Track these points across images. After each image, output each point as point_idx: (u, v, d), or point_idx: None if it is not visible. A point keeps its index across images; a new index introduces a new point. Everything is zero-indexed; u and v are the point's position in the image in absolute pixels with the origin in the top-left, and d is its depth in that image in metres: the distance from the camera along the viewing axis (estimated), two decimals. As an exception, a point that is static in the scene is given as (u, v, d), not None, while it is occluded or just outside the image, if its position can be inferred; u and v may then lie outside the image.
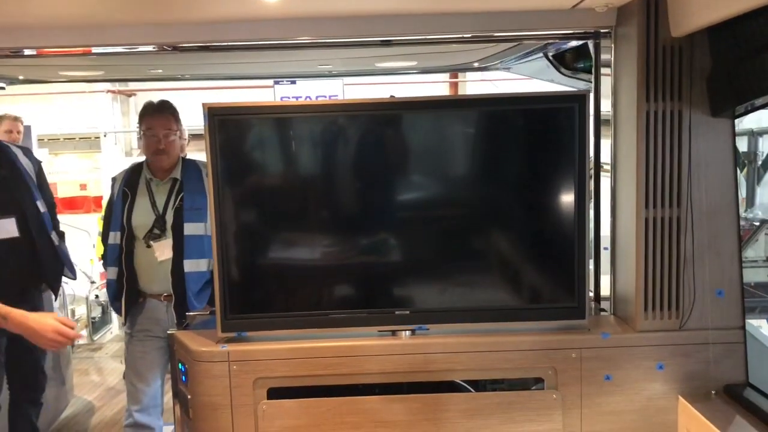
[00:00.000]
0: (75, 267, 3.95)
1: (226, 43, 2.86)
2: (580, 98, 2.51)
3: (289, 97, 10.85)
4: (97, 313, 6.92)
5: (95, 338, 6.73)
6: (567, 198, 2.55)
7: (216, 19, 2.70)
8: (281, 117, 2.56)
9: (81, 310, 6.82)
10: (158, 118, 3.42)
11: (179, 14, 2.66)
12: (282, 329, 2.57)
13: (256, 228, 2.62)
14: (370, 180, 2.60)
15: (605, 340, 2.55)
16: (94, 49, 3.03)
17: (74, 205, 12.92)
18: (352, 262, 2.62)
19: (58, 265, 3.58)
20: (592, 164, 2.91)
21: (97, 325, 6.81)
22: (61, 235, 3.74)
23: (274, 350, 2.50)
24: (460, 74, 11.70)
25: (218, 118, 2.46)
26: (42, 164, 3.74)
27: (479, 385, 2.65)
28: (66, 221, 8.50)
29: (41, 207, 3.47)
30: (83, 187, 13.35)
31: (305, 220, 2.63)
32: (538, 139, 2.60)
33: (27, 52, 2.98)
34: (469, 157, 2.69)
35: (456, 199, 2.68)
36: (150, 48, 2.93)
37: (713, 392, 2.54)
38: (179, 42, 2.85)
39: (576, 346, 2.55)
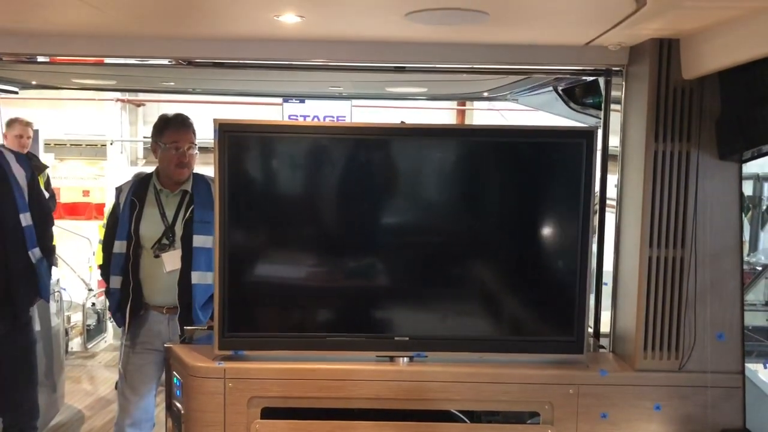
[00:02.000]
0: (51, 290, 3.89)
1: (239, 61, 2.88)
2: (588, 134, 2.53)
3: (297, 116, 10.92)
4: (92, 321, 6.89)
5: (89, 346, 6.69)
6: (570, 233, 2.55)
7: (231, 37, 2.73)
8: (292, 137, 2.57)
9: (76, 317, 6.79)
10: (183, 132, 3.46)
11: (195, 30, 2.68)
12: (280, 350, 2.54)
13: (260, 247, 2.60)
14: (376, 205, 2.61)
15: (603, 378, 2.54)
16: (108, 60, 3.05)
17: (76, 211, 12.94)
18: (355, 286, 2.62)
19: (30, 287, 3.48)
20: (597, 199, 2.93)
21: (91, 334, 6.77)
22: (50, 251, 3.65)
23: (270, 370, 2.49)
24: (467, 102, 11.75)
25: (229, 134, 2.45)
26: (37, 173, 3.66)
27: (474, 416, 2.64)
28: (68, 227, 8.51)
29: (24, 220, 3.42)
30: (86, 193, 13.38)
31: (310, 241, 2.62)
32: (545, 173, 2.61)
33: (41, 59, 3.01)
34: (476, 187, 2.70)
35: (462, 228, 2.68)
36: (163, 61, 2.96)
37: None
38: (193, 57, 2.87)
39: (574, 382, 2.54)
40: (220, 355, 2.56)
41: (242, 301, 2.54)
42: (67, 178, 13.62)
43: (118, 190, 3.57)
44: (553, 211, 2.61)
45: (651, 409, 2.54)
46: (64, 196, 13.96)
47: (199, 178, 3.57)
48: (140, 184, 3.52)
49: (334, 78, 3.99)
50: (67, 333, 6.25)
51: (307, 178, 2.61)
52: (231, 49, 2.78)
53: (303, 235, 2.60)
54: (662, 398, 2.54)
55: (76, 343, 6.68)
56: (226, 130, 2.45)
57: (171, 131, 3.45)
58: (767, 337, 6.54)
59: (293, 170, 2.60)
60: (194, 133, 3.54)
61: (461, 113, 12.47)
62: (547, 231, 2.62)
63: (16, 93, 4.13)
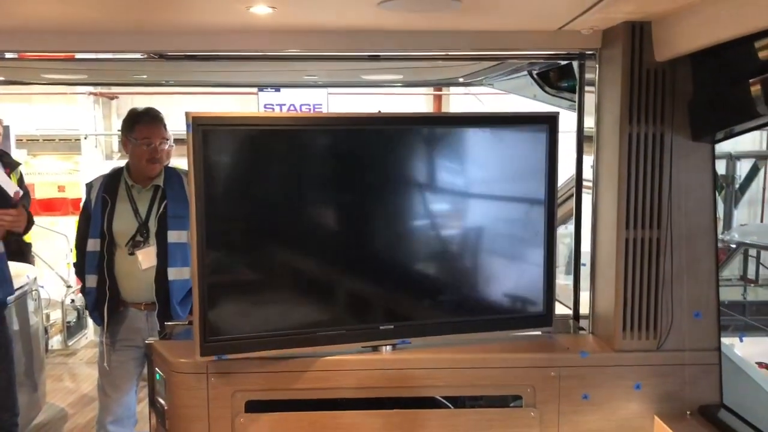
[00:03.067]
0: (29, 288, 3.82)
1: (211, 53, 2.85)
2: (550, 119, 2.62)
3: (272, 105, 10.85)
4: (72, 317, 6.83)
5: (70, 344, 6.63)
6: (538, 213, 2.66)
7: (203, 29, 2.69)
8: (268, 129, 2.51)
9: (56, 315, 6.73)
10: (154, 127, 3.42)
11: (166, 22, 2.64)
12: (264, 350, 2.46)
13: (239, 245, 2.51)
14: (354, 195, 2.59)
15: (584, 360, 2.57)
16: (78, 55, 3.00)
17: (52, 207, 12.76)
18: (337, 278, 2.60)
19: None
20: (574, 181, 2.96)
21: (72, 330, 6.72)
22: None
23: (253, 363, 2.48)
24: (444, 87, 11.76)
25: (203, 128, 2.34)
26: (10, 171, 3.57)
27: (458, 402, 2.66)
28: (44, 224, 8.40)
29: None
30: (62, 189, 13.19)
31: (289, 236, 2.56)
32: (512, 157, 2.70)
33: (9, 55, 2.95)
34: (448, 172, 2.70)
35: (435, 213, 2.70)
36: (135, 55, 2.92)
37: (688, 413, 2.57)
38: (165, 50, 2.83)
39: (555, 365, 2.57)
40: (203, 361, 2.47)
41: (222, 303, 2.43)
42: (41, 174, 13.41)
43: (89, 186, 3.52)
44: (521, 193, 2.71)
45: (631, 388, 2.58)
46: (39, 192, 13.73)
47: (171, 173, 3.53)
48: (111, 180, 3.47)
49: (308, 67, 3.97)
50: (46, 331, 6.20)
51: (284, 170, 2.57)
52: (203, 42, 2.74)
53: (282, 231, 2.56)
54: (642, 377, 2.58)
55: (56, 341, 6.63)
56: (199, 124, 2.34)
57: (142, 126, 3.41)
58: (742, 312, 6.68)
59: (270, 163, 2.54)
60: (165, 128, 3.51)
61: (438, 98, 12.47)
62: (516, 212, 2.72)
63: (-16, 90, 4.04)
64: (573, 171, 2.98)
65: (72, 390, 5.43)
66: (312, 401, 2.54)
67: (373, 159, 2.61)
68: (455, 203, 2.71)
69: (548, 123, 2.62)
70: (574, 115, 2.95)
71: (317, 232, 2.60)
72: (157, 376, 2.61)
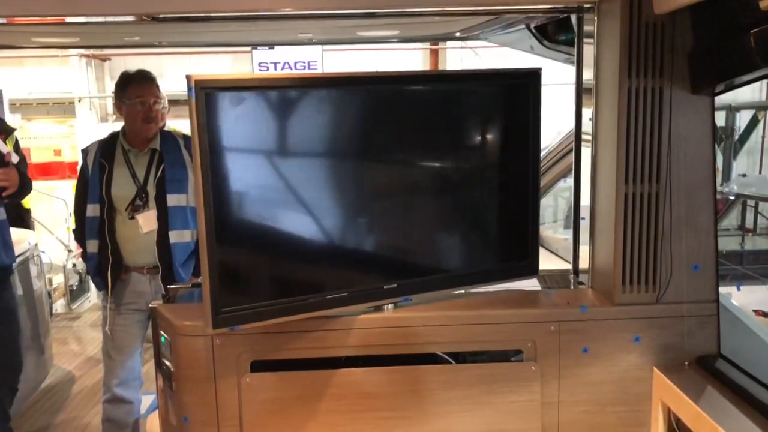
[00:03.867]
0: (31, 254, 3.87)
1: (204, 13, 2.80)
2: (533, 74, 2.66)
3: (267, 63, 10.75)
4: (74, 281, 6.88)
5: (73, 307, 6.69)
6: (523, 165, 2.71)
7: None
8: (274, 90, 2.40)
9: (58, 279, 6.78)
10: (146, 86, 3.40)
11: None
12: (276, 318, 2.42)
13: (247, 212, 2.43)
14: (357, 156, 2.58)
15: (583, 314, 2.60)
16: (69, 18, 2.96)
17: (49, 171, 12.73)
18: (345, 240, 2.59)
19: None
20: (573, 134, 2.96)
21: (75, 294, 6.78)
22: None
23: (256, 325, 2.51)
24: (440, 42, 11.63)
25: (206, 92, 2.20)
26: (4, 137, 3.55)
27: (459, 357, 2.70)
28: (41, 188, 8.37)
29: None
30: (57, 153, 13.15)
31: (296, 201, 2.52)
32: (498, 111, 2.75)
33: None
34: (438, 129, 2.69)
35: (429, 169, 2.71)
36: (127, 18, 2.87)
37: (686, 363, 2.61)
38: (158, 12, 2.78)
39: (555, 320, 2.60)
40: (215, 333, 2.45)
41: (232, 273, 2.37)
42: (36, 138, 13.34)
43: (85, 152, 3.51)
44: (508, 145, 2.75)
45: (630, 341, 2.62)
46: (35, 157, 13.67)
47: (167, 135, 3.52)
48: (107, 145, 3.46)
49: (302, 26, 3.91)
50: (50, 295, 6.25)
51: (289, 133, 2.51)
52: (195, 3, 2.69)
53: (289, 194, 2.52)
54: (641, 330, 2.62)
55: (60, 305, 6.68)
56: (203, 87, 2.19)
57: (134, 86, 3.39)
58: (740, 261, 6.73)
59: (275, 125, 2.46)
60: (158, 88, 3.47)
61: (434, 53, 12.34)
62: (503, 165, 2.77)
63: (-27, 56, 3.99)
64: (572, 125, 2.97)
65: (78, 353, 5.50)
66: (316, 360, 2.58)
67: (373, 119, 2.59)
68: (448, 159, 2.73)
69: (531, 78, 2.67)
70: (572, 69, 2.93)
71: (323, 194, 2.57)
72: (162, 339, 2.64)
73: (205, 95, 2.20)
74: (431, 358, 2.66)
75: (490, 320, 2.60)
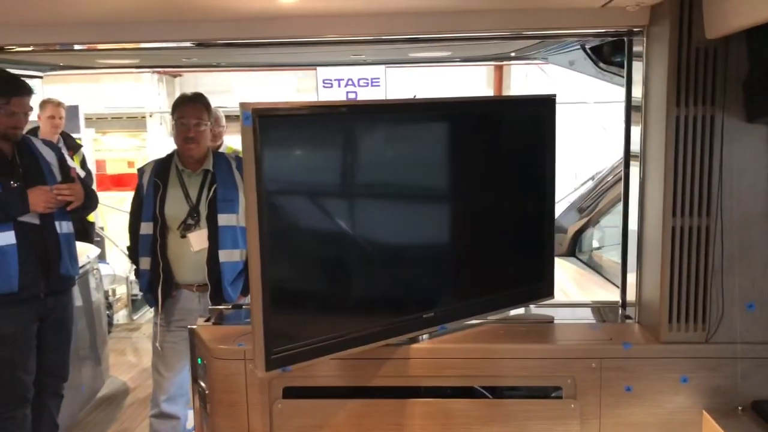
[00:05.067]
0: (91, 267, 4.11)
1: (250, 40, 2.85)
2: (549, 101, 2.68)
3: (330, 80, 10.87)
4: (137, 292, 7.06)
5: (135, 318, 6.88)
6: (541, 187, 2.72)
7: (239, 17, 2.69)
8: (332, 118, 2.32)
9: (122, 290, 6.98)
10: (190, 108, 3.48)
11: (204, 12, 2.66)
12: (325, 355, 2.31)
13: (299, 249, 2.28)
14: (406, 183, 2.54)
15: (626, 351, 2.49)
16: (127, 45, 3.06)
17: (122, 182, 13.21)
18: (392, 270, 2.51)
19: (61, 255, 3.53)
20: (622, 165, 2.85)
21: (136, 305, 6.95)
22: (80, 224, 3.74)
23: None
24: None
25: (262, 120, 2.04)
26: (72, 153, 3.73)
27: (497, 392, 2.62)
28: (114, 198, 8.64)
29: None
30: (131, 164, 13.65)
31: (349, 234, 2.41)
32: (519, 136, 2.78)
33: (78, 47, 3.05)
34: (471, 155, 2.66)
35: (462, 195, 2.67)
36: (179, 44, 2.95)
37: (740, 408, 2.46)
38: (205, 39, 2.86)
39: (596, 356, 2.50)
40: (267, 374, 2.23)
41: (285, 313, 2.21)
42: (111, 151, 13.89)
43: (141, 171, 3.61)
44: (528, 170, 2.74)
45: (677, 381, 2.49)
46: (110, 168, 14.25)
47: (221, 157, 3.60)
48: (162, 165, 3.55)
49: (355, 48, 3.93)
50: (111, 306, 6.44)
51: (343, 161, 2.42)
52: (239, 29, 2.74)
53: (341, 226, 2.41)
54: (689, 370, 2.48)
55: (121, 315, 6.88)
56: (259, 115, 2.04)
57: (179, 107, 3.51)
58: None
59: (332, 154, 2.37)
60: (207, 111, 3.54)
61: (498, 69, 12.20)
62: (524, 188, 2.76)
63: (41, 78, 4.18)
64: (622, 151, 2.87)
65: (134, 364, 5.63)
66: (348, 389, 2.55)
67: (416, 145, 2.56)
68: (480, 184, 2.72)
69: (547, 105, 2.70)
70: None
71: (373, 225, 2.48)
72: (199, 361, 2.67)
73: (261, 122, 2.05)
74: (467, 392, 2.59)
75: (528, 354, 2.52)
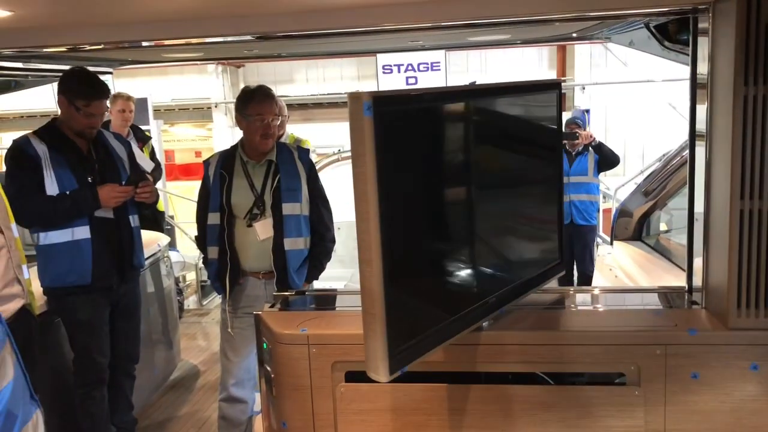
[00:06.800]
0: (162, 255, 4.39)
1: (310, 32, 2.89)
2: (556, 86, 2.78)
3: (390, 66, 10.88)
4: (205, 278, 7.28)
5: (204, 303, 7.09)
6: (553, 166, 2.83)
7: (300, 10, 2.74)
8: (445, 104, 2.24)
9: (192, 276, 7.21)
10: (267, 104, 3.55)
11: (267, 7, 2.73)
12: (438, 344, 2.22)
13: (416, 242, 2.17)
14: (503, 166, 2.63)
15: (692, 337, 2.43)
16: (192, 40, 3.15)
17: (190, 171, 13.61)
18: (481, 255, 2.51)
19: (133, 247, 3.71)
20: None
21: (206, 291, 7.17)
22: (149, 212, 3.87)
23: (351, 335, 2.55)
24: (566, 38, 11.27)
25: (381, 109, 1.86)
26: (142, 145, 3.88)
27: (558, 378, 2.61)
28: (182, 187, 8.88)
29: None
30: (198, 154, 14.02)
31: (460, 221, 2.36)
32: (536, 120, 2.81)
33: (146, 44, 3.16)
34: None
35: (511, 179, 2.69)
36: (241, 38, 3.02)
37: None
38: (267, 32, 2.92)
39: (661, 342, 2.45)
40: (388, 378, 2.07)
41: (407, 306, 2.09)
42: (179, 141, 14.29)
43: (207, 163, 3.71)
44: (543, 150, 2.81)
45: (747, 369, 2.42)
46: (178, 158, 14.66)
47: (283, 147, 3.67)
48: (227, 157, 3.65)
49: (413, 35, 3.93)
50: (182, 292, 6.66)
51: (461, 146, 2.36)
52: (297, 22, 2.79)
53: (455, 215, 2.35)
54: (760, 357, 2.41)
55: (192, 301, 7.11)
56: (380, 105, 1.86)
57: (255, 104, 3.54)
58: None
59: (448, 139, 2.29)
60: (277, 104, 3.64)
61: (561, 48, 11.97)
62: (542, 169, 2.82)
63: (111, 73, 4.34)
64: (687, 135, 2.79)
65: (204, 348, 5.83)
66: (409, 374, 2.58)
67: (506, 129, 2.64)
68: (529, 165, 2.80)
69: (556, 89, 2.79)
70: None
71: (480, 207, 2.44)
72: (264, 345, 2.75)
73: (379, 113, 1.87)
74: (528, 377, 2.59)
75: (591, 340, 2.50)
